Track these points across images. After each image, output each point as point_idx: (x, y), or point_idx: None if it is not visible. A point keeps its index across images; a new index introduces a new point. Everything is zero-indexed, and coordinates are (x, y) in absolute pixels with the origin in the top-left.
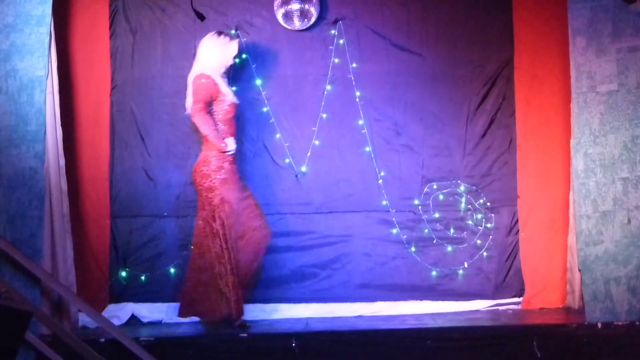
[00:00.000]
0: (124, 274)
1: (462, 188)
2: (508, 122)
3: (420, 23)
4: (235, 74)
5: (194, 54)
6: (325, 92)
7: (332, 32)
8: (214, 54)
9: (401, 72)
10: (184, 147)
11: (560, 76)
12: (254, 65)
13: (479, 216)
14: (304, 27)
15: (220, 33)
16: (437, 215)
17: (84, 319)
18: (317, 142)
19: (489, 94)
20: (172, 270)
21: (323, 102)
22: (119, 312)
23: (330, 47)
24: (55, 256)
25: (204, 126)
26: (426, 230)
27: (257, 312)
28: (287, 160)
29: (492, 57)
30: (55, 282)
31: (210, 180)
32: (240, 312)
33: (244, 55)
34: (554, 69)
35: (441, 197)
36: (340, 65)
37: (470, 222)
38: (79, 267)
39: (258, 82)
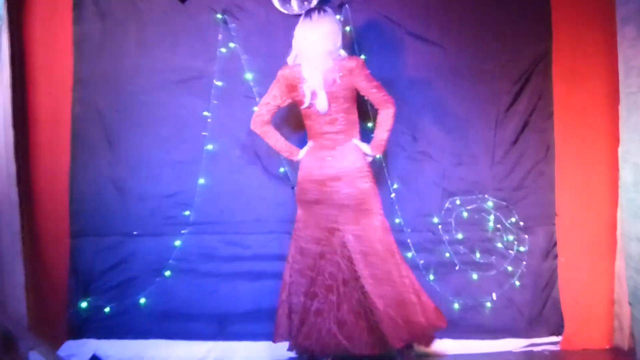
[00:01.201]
0: (85, 304)
1: (489, 204)
2: (544, 125)
3: (442, 9)
4: (222, 66)
5: (173, 43)
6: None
7: (338, 17)
8: None
9: (418, 66)
10: (161, 153)
11: (607, 72)
12: (244, 57)
13: (510, 237)
14: (303, 11)
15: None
16: (460, 236)
17: (37, 358)
18: None
19: (522, 92)
20: (142, 300)
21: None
22: (78, 350)
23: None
24: (3, 282)
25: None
26: (447, 254)
27: (248, 351)
28: (281, 170)
29: (525, 50)
30: (1, 313)
31: (372, 180)
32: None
33: (232, 45)
34: (599, 64)
35: (465, 214)
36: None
37: (499, 244)
38: (31, 295)
39: (249, 76)
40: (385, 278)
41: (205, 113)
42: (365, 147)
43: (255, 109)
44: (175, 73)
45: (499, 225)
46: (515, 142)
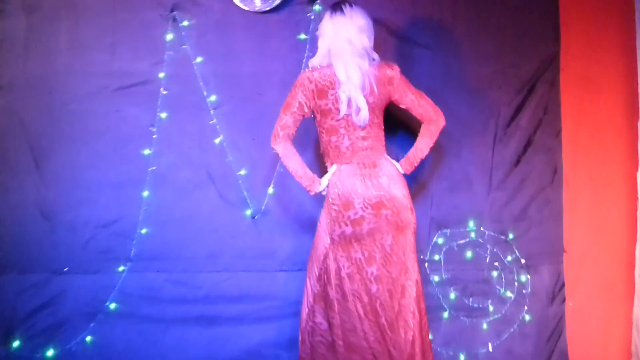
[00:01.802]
0: (6, 351)
1: (486, 237)
2: (551, 144)
3: (431, 5)
4: (171, 71)
5: (113, 43)
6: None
7: (310, 13)
8: None
9: (403, 72)
10: (97, 173)
11: (624, 81)
12: (196, 60)
13: (510, 277)
14: (268, 7)
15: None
16: (450, 275)
17: None
18: (282, 170)
19: (525, 104)
20: (74, 349)
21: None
22: None
23: (306, 35)
24: None
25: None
26: (436, 297)
27: None
28: (241, 195)
29: (529, 54)
30: None
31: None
32: None
33: (184, 46)
34: (615, 71)
35: (457, 249)
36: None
37: (498, 286)
38: None
39: (202, 83)
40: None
41: (151, 127)
42: (397, 166)
43: (211, 122)
44: (115, 78)
45: (496, 263)
46: (516, 163)
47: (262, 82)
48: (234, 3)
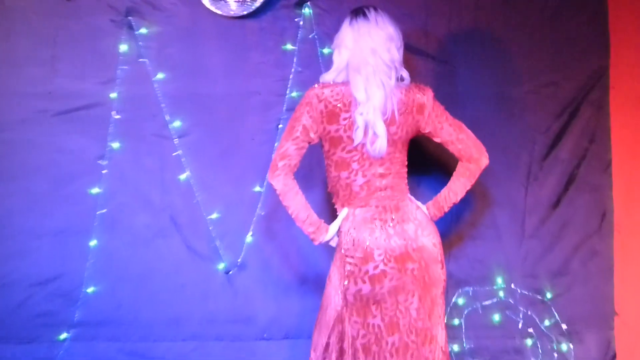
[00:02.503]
0: None
1: (518, 297)
2: (599, 181)
3: (448, 9)
4: (124, 91)
5: (54, 57)
6: (280, 126)
7: (299, 18)
8: None
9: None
10: (33, 218)
11: None
12: (157, 77)
13: (549, 346)
14: (246, 12)
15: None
16: (473, 344)
17: None
18: (263, 213)
19: (567, 131)
20: None
21: (277, 143)
22: None
23: (293, 45)
24: None
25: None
26: None
27: None
28: (212, 245)
29: (572, 69)
30: None
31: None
32: None
33: (142, 60)
34: None
35: (481, 312)
36: (309, 76)
37: (533, 358)
38: None
39: (164, 105)
40: None
41: (100, 160)
42: (423, 209)
43: (175, 153)
44: (55, 100)
45: (531, 330)
46: (555, 205)
47: (239, 105)
48: (204, 6)
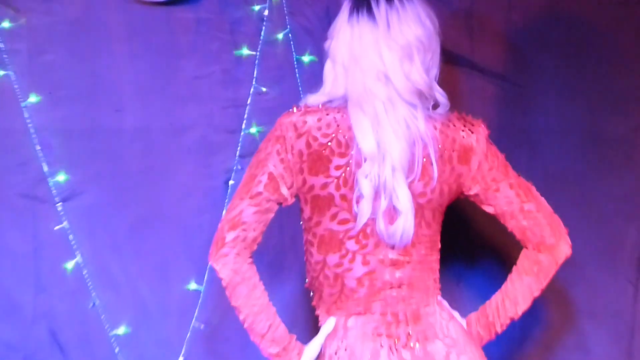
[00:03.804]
0: None
1: None
2: None
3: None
4: None
5: None
6: (231, 182)
7: (261, 6)
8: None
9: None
10: None
11: None
12: (28, 101)
13: None
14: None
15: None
16: None
17: None
18: (202, 326)
19: None
20: None
21: (230, 189)
22: None
23: (252, 50)
24: None
25: None
26: None
27: None
28: None
29: None
30: None
31: None
32: None
33: (5, 73)
34: None
35: None
36: (280, 99)
37: None
38: None
39: (38, 147)
40: None
41: None
42: (462, 321)
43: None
44: None
45: None
46: None
47: (163, 148)
48: None
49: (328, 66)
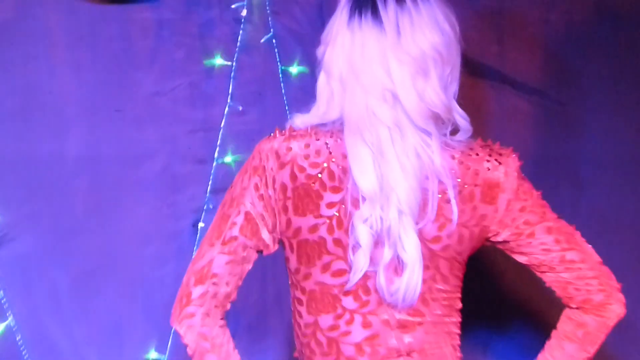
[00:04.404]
0: None
1: None
2: None
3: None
4: None
5: None
6: (201, 225)
7: (237, 4)
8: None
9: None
10: None
11: None
12: None
13: None
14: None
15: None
16: None
17: None
18: None
19: None
20: None
21: (199, 234)
22: None
23: (225, 60)
24: None
25: None
26: None
27: None
28: None
29: None
30: None
31: None
32: None
33: None
34: None
35: None
36: (261, 120)
37: None
38: None
39: None
40: None
41: None
42: None
43: None
44: None
45: None
46: None
47: (115, 181)
48: None
49: (322, 80)
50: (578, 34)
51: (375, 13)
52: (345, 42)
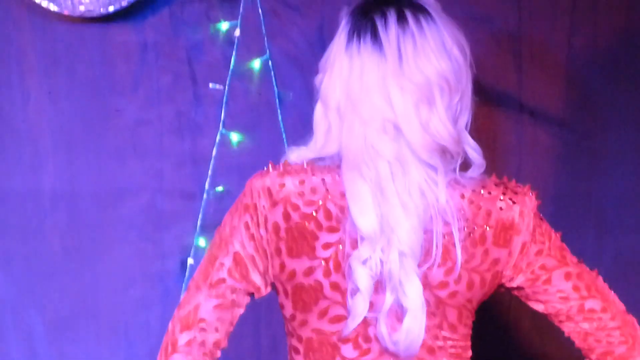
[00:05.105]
0: None
1: None
2: None
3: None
4: None
5: None
6: (190, 261)
7: (225, 26)
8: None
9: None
10: None
11: None
12: None
13: None
14: (113, 8)
15: (353, 29)
16: None
17: None
18: None
19: None
20: None
21: (188, 274)
22: None
23: (218, 85)
24: None
25: None
26: None
27: None
28: None
29: None
30: None
31: None
32: None
33: None
34: None
35: None
36: (257, 153)
37: None
38: None
39: None
40: None
41: None
42: None
43: None
44: None
45: None
46: None
47: (93, 220)
48: None
49: (319, 111)
50: (604, 61)
51: (375, 36)
52: (342, 69)
